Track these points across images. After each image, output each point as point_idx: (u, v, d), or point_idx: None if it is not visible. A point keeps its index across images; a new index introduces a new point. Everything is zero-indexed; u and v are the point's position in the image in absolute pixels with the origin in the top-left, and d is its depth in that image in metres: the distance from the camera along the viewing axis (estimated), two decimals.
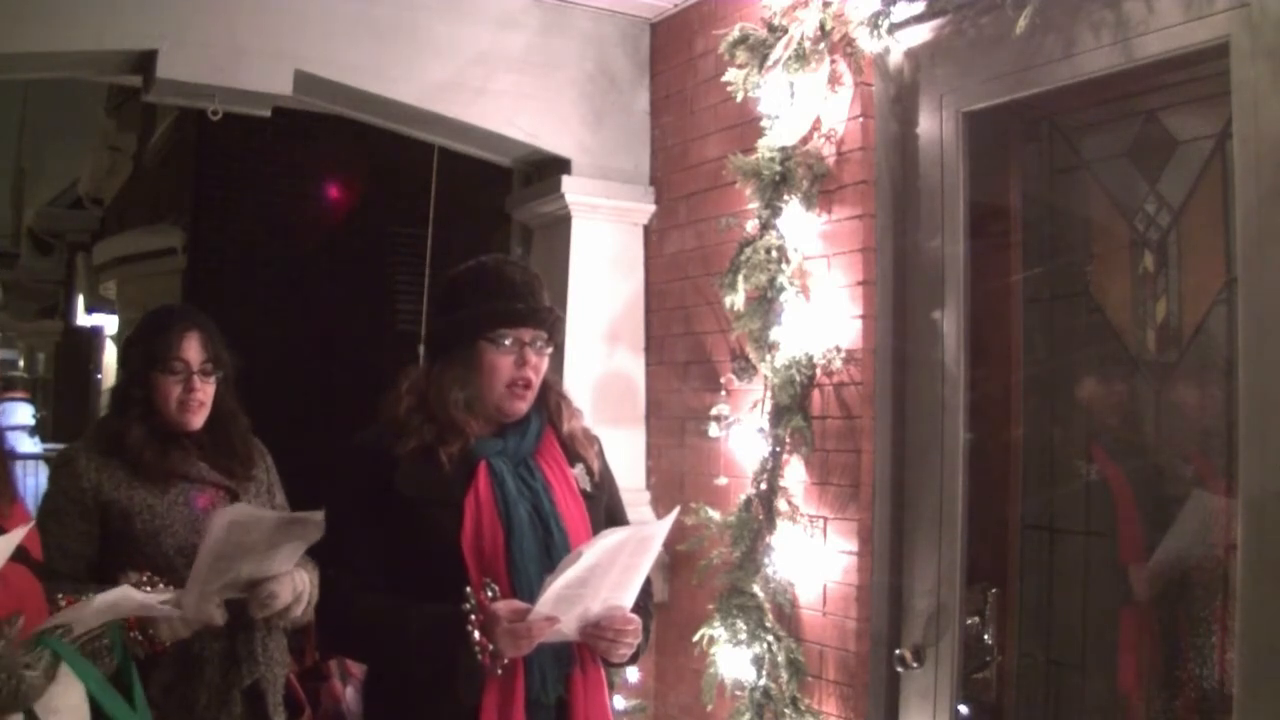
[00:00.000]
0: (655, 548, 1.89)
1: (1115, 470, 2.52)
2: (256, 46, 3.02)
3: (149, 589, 2.03)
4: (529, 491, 1.99)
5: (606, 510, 2.13)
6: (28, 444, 10.18)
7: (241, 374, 2.45)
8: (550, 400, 2.12)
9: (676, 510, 2.01)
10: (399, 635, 1.87)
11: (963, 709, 2.51)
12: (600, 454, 2.17)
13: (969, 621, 2.52)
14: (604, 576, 1.82)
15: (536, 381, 2.03)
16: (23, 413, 10.70)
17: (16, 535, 1.57)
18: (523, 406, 2.04)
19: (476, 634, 1.80)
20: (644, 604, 2.01)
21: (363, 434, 2.04)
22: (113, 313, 11.81)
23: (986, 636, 2.52)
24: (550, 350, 2.06)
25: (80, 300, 13.46)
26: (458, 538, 1.91)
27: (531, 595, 1.85)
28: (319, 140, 7.60)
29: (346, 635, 2.00)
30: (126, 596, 1.73)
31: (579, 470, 2.09)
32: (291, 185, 8.18)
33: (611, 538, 1.79)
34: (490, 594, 1.86)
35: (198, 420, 2.33)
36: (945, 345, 2.58)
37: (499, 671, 1.82)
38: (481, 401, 2.02)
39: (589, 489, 2.09)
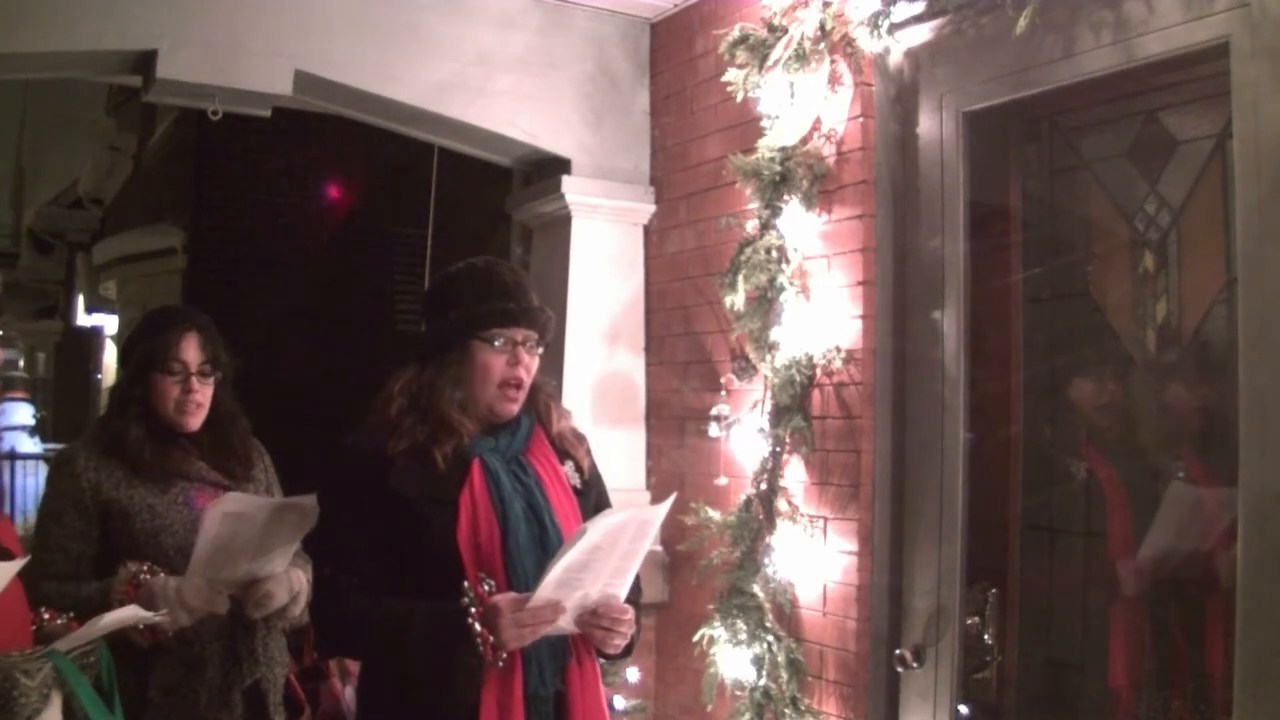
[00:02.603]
0: (653, 532, 1.92)
1: (1107, 466, 2.52)
2: (256, 46, 3.01)
3: (147, 576, 2.06)
4: (522, 488, 2.01)
5: (595, 507, 2.15)
6: (28, 444, 10.20)
7: (241, 374, 2.45)
8: (539, 401, 2.14)
9: (674, 495, 2.03)
10: (399, 633, 1.88)
11: (963, 709, 2.51)
12: (588, 452, 2.20)
13: (969, 621, 2.52)
14: (605, 561, 1.84)
15: (528, 382, 2.05)
16: (23, 413, 10.71)
17: (14, 566, 1.58)
18: (513, 408, 2.06)
19: (477, 626, 1.81)
20: (634, 597, 2.03)
21: (353, 435, 2.04)
22: (113, 313, 11.83)
23: (986, 636, 2.52)
24: (541, 351, 2.08)
25: (80, 300, 13.48)
26: (454, 535, 1.92)
27: (528, 589, 1.86)
28: (319, 140, 7.59)
29: (345, 635, 2.01)
30: (135, 614, 1.75)
31: (569, 468, 2.13)
32: (291, 185, 8.17)
33: (613, 517, 1.82)
34: (487, 588, 1.88)
35: (195, 422, 2.34)
36: (945, 345, 2.58)
37: (499, 664, 1.83)
38: (474, 402, 2.03)
39: (579, 485, 2.12)
